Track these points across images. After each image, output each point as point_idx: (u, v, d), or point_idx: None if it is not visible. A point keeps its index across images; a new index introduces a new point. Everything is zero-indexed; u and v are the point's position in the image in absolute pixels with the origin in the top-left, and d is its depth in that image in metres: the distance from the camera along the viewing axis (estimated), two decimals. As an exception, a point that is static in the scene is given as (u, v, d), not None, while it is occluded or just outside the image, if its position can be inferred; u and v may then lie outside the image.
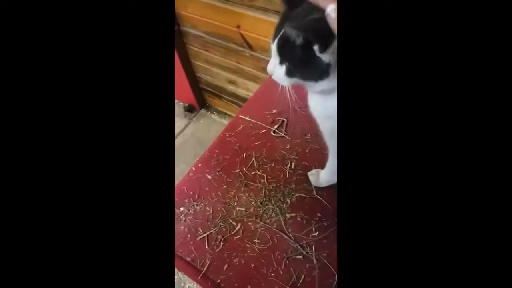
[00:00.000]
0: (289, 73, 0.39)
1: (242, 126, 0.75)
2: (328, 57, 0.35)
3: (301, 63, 0.37)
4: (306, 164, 0.67)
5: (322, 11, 0.33)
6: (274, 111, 0.76)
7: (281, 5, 0.39)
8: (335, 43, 0.34)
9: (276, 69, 0.40)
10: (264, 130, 0.73)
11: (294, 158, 0.69)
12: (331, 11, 0.31)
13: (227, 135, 0.73)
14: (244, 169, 0.68)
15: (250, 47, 1.04)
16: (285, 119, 0.74)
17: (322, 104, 0.45)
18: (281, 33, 0.37)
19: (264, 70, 1.10)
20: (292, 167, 0.67)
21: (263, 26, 0.92)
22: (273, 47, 0.40)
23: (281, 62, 0.40)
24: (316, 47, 0.34)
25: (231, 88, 1.35)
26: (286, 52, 0.38)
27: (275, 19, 0.86)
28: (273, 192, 0.65)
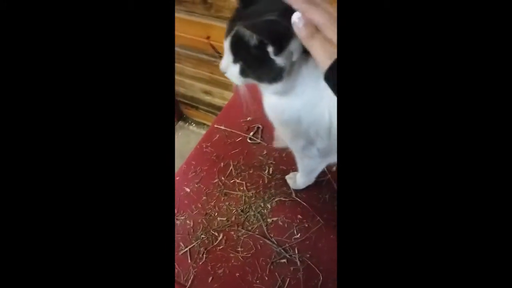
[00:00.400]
0: (243, 72, 0.38)
1: (218, 135, 0.75)
2: (282, 60, 0.35)
3: (255, 64, 0.36)
4: (284, 168, 0.69)
5: (278, 11, 0.32)
6: (248, 118, 0.77)
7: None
8: (289, 47, 0.34)
9: (230, 68, 0.39)
10: (240, 138, 0.74)
11: (272, 163, 0.69)
12: (297, 19, 0.30)
13: (204, 145, 0.73)
14: (223, 178, 0.68)
15: (222, 56, 1.05)
16: (260, 125, 0.75)
17: (277, 107, 0.44)
18: (233, 31, 0.36)
19: (237, 78, 1.11)
20: (270, 172, 0.68)
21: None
22: (226, 45, 0.38)
23: (234, 61, 0.39)
24: (270, 49, 0.34)
25: (207, 98, 1.35)
26: (239, 51, 0.37)
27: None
28: (253, 198, 0.65)
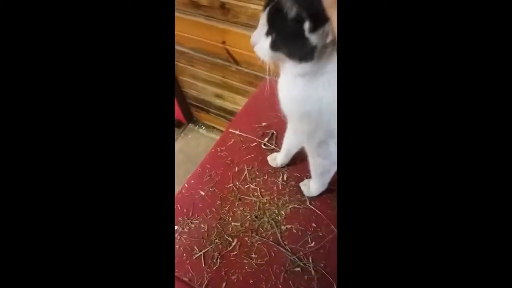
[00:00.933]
0: (274, 46, 0.37)
1: (232, 140, 0.75)
2: (316, 39, 0.34)
3: (288, 38, 0.35)
4: (298, 175, 0.68)
5: None
6: (263, 123, 0.77)
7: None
8: (325, 27, 0.33)
9: (261, 40, 0.38)
10: (254, 143, 0.74)
11: (286, 169, 0.69)
12: None
13: (219, 150, 0.74)
14: (237, 183, 0.68)
15: (236, 62, 1.06)
16: (274, 132, 0.76)
17: (299, 97, 0.42)
18: (273, 2, 0.35)
19: (250, 84, 1.12)
20: (285, 179, 0.68)
21: (247, 41, 0.94)
22: (263, 15, 0.37)
23: (267, 33, 0.38)
24: (306, 26, 0.33)
25: (218, 102, 1.36)
26: (275, 22, 0.36)
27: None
28: (267, 205, 0.65)
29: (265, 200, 0.65)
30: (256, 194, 0.66)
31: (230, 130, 0.77)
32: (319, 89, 0.40)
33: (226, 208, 0.65)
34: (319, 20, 0.33)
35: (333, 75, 0.38)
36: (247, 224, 0.62)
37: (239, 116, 0.81)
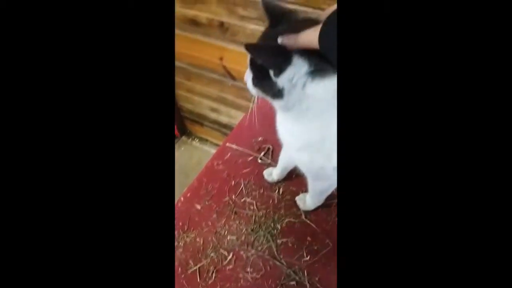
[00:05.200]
0: (253, 84, 0.42)
1: (229, 154, 0.76)
2: (282, 82, 0.38)
3: (261, 79, 0.40)
4: (293, 189, 0.70)
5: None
6: (260, 138, 0.79)
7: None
8: (289, 71, 0.37)
9: (248, 77, 0.43)
10: (251, 158, 0.76)
11: (282, 183, 0.71)
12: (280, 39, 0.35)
13: (215, 163, 0.75)
14: (234, 196, 0.69)
15: (233, 77, 1.09)
16: (270, 146, 0.78)
17: (292, 133, 0.47)
18: (245, 46, 0.38)
19: (247, 98, 1.15)
20: (280, 193, 0.70)
21: (245, 58, 0.98)
22: (248, 57, 0.42)
23: (250, 73, 0.43)
24: (271, 72, 0.38)
25: (213, 115, 1.37)
26: (253, 64, 0.41)
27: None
28: (263, 218, 0.66)
29: (261, 214, 0.66)
30: (252, 207, 0.67)
31: (227, 144, 0.78)
32: (308, 125, 0.43)
33: (222, 222, 0.65)
34: (281, 66, 0.37)
35: (315, 110, 0.40)
36: (243, 238, 0.63)
37: (236, 130, 0.83)
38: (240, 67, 1.04)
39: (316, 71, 0.36)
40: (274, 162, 0.74)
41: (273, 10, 0.41)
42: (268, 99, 0.42)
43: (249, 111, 0.87)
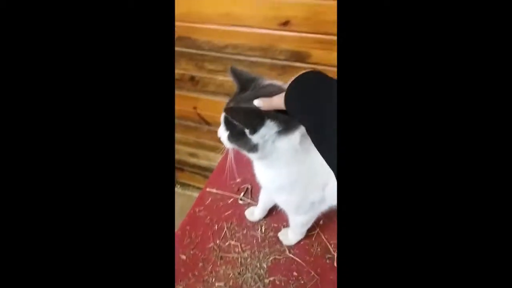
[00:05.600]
0: (229, 139, 0.48)
1: (210, 198, 0.79)
2: (257, 138, 0.44)
3: (236, 137, 0.46)
4: (276, 225, 0.73)
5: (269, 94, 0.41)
6: (238, 179, 0.83)
7: (233, 87, 0.49)
8: (262, 129, 0.43)
9: (222, 134, 0.49)
10: (231, 199, 0.78)
11: (264, 221, 0.73)
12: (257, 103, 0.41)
13: (197, 210, 0.76)
14: (218, 241, 0.70)
15: (208, 123, 1.16)
16: (249, 186, 0.81)
17: (267, 176, 0.53)
18: (225, 109, 0.45)
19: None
20: (263, 231, 0.72)
21: (217, 105, 1.06)
22: (222, 115, 0.48)
23: (225, 130, 0.48)
24: (246, 131, 0.43)
25: (192, 160, 1.41)
26: (227, 124, 0.47)
27: (227, 99, 1.00)
28: (249, 259, 0.67)
29: (246, 255, 0.67)
30: (237, 250, 0.68)
31: (207, 190, 0.81)
32: (281, 170, 0.49)
33: (209, 269, 0.65)
34: (255, 126, 0.43)
35: (285, 157, 0.46)
36: (231, 283, 0.63)
37: (214, 174, 0.87)
38: (214, 113, 1.11)
39: (283, 130, 0.43)
40: (254, 201, 0.77)
41: (240, 77, 0.48)
42: (244, 152, 0.48)
43: (223, 157, 0.92)
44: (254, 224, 0.73)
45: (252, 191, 0.80)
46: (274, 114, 0.42)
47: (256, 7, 0.76)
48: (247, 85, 0.47)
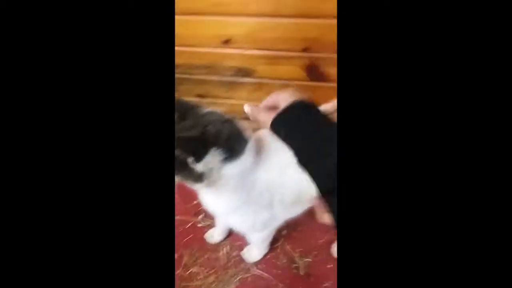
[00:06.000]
0: (176, 170, 0.43)
1: (166, 226, 0.73)
2: (201, 167, 0.41)
3: (179, 168, 0.42)
4: (238, 243, 0.71)
5: (202, 127, 0.40)
6: (194, 202, 0.79)
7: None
8: (207, 157, 0.41)
9: None
10: (189, 224, 0.74)
11: (225, 242, 0.71)
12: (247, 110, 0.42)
13: (153, 241, 0.70)
14: (179, 271, 0.65)
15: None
16: (207, 207, 0.78)
17: (215, 204, 0.52)
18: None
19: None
20: (226, 252, 0.69)
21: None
22: None
23: None
24: (190, 159, 0.41)
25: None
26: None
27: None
28: (214, 283, 0.63)
29: (212, 280, 0.64)
30: (200, 277, 0.64)
31: (162, 217, 0.75)
32: (230, 196, 0.48)
33: (172, 304, 0.60)
34: (200, 154, 0.41)
35: (233, 184, 0.46)
36: (197, 314, 0.59)
37: (169, 199, 0.81)
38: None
39: (229, 157, 0.42)
40: (213, 221, 0.74)
41: (179, 106, 0.45)
42: (188, 183, 0.45)
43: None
44: (217, 246, 0.70)
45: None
46: (220, 141, 0.41)
47: (197, 27, 0.76)
48: (186, 114, 0.45)
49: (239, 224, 0.57)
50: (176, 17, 0.73)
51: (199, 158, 0.41)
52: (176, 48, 0.82)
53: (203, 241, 0.71)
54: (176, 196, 0.82)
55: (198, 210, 0.77)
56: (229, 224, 0.62)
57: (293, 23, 0.69)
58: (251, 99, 0.87)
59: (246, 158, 0.44)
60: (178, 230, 0.73)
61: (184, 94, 0.91)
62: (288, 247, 0.70)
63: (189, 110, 0.45)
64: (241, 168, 0.44)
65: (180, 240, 0.71)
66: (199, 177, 0.42)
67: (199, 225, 0.74)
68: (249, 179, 0.46)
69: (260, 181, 0.47)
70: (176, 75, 0.87)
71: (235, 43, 0.76)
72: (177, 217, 0.75)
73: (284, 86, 0.83)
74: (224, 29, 0.74)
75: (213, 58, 0.81)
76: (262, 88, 0.85)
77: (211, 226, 0.74)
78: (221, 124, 0.42)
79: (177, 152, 0.41)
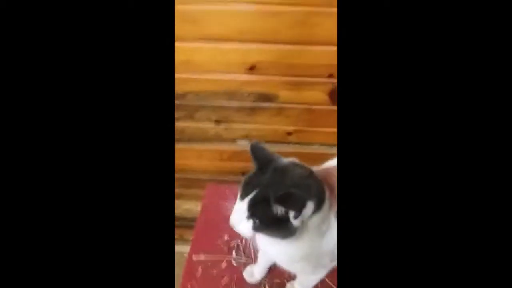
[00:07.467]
0: (256, 228, 0.43)
1: (200, 268, 0.69)
2: (298, 221, 0.42)
3: (273, 225, 0.42)
4: (278, 281, 0.67)
5: (292, 182, 0.41)
6: (225, 237, 0.75)
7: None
8: (304, 212, 0.42)
9: (242, 223, 0.43)
10: (224, 263, 0.71)
11: (265, 279, 0.68)
12: None
13: (189, 286, 0.66)
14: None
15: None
16: (239, 242, 0.74)
17: (287, 253, 0.50)
18: (254, 193, 0.42)
19: (188, 187, 1.10)
20: (269, 289, 0.66)
21: (176, 151, 0.96)
22: (242, 204, 0.43)
23: (248, 217, 0.43)
24: (292, 214, 0.41)
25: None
26: (258, 211, 0.42)
27: (189, 145, 0.92)
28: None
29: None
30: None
31: (194, 258, 0.71)
32: (303, 245, 0.47)
33: None
34: (301, 208, 0.41)
35: (310, 234, 0.45)
36: None
37: (196, 237, 0.77)
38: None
39: (316, 208, 0.43)
40: (249, 258, 0.71)
41: (260, 156, 0.44)
42: (273, 239, 0.44)
43: (199, 215, 0.82)
44: (256, 285, 0.67)
45: (245, 247, 0.73)
46: (311, 193, 0.42)
47: (219, 54, 0.72)
48: (265, 166, 0.44)
49: (300, 269, 0.56)
50: (198, 44, 0.69)
51: (299, 212, 0.41)
52: (191, 75, 0.78)
53: (241, 279, 0.67)
54: (202, 232, 0.78)
55: (231, 245, 0.74)
56: (289, 269, 0.59)
57: (319, 50, 0.68)
58: (271, 123, 0.84)
59: (325, 207, 0.45)
60: (213, 271, 0.69)
61: (201, 120, 0.87)
62: (327, 280, 0.68)
63: (269, 162, 0.44)
64: (322, 218, 0.45)
65: (218, 282, 0.67)
66: (292, 232, 0.42)
67: (234, 263, 0.71)
68: (324, 228, 0.46)
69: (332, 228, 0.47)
70: (196, 103, 0.83)
71: (260, 69, 0.73)
72: (209, 257, 0.71)
73: (306, 111, 0.81)
74: (249, 56, 0.71)
75: (234, 84, 0.78)
76: (282, 113, 0.82)
77: (247, 262, 0.70)
78: (308, 176, 0.44)
79: (278, 209, 0.40)
